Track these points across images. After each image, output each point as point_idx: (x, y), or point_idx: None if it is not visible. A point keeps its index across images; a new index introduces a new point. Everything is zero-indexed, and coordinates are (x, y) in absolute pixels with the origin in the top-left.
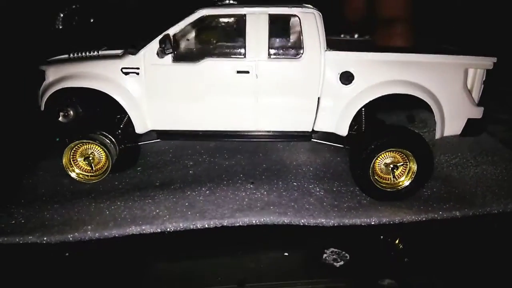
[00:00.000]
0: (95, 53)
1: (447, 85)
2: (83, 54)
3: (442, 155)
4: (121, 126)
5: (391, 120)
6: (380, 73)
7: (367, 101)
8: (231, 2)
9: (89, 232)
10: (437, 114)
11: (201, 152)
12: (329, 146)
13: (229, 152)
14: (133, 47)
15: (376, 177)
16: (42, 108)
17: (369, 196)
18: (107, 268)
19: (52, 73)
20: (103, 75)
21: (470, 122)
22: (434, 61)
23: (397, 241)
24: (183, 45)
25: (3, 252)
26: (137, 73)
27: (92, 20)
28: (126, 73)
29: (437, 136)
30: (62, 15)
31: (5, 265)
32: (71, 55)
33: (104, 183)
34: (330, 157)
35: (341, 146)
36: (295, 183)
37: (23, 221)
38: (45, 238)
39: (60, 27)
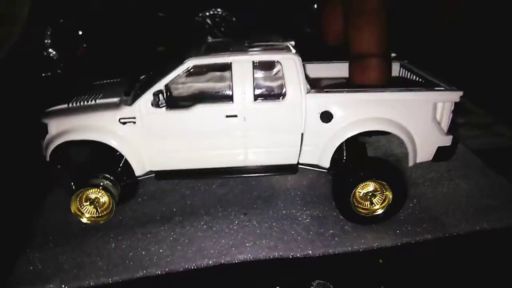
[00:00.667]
0: (93, 102)
1: (418, 120)
2: (81, 103)
3: (419, 169)
4: (121, 164)
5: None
6: (357, 112)
7: (346, 138)
8: (219, 39)
9: (101, 279)
10: (409, 146)
11: (196, 180)
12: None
13: (222, 180)
14: (127, 94)
15: (356, 204)
16: (48, 159)
17: (350, 221)
18: None
19: (54, 127)
20: (102, 126)
21: (440, 149)
22: (405, 98)
23: (376, 268)
24: (175, 92)
25: None
26: (134, 122)
27: (80, 33)
28: (124, 123)
29: (410, 164)
30: (50, 30)
31: None
32: (70, 104)
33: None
34: (315, 179)
35: (324, 170)
36: (284, 211)
37: (40, 266)
38: (63, 286)
39: (48, 41)
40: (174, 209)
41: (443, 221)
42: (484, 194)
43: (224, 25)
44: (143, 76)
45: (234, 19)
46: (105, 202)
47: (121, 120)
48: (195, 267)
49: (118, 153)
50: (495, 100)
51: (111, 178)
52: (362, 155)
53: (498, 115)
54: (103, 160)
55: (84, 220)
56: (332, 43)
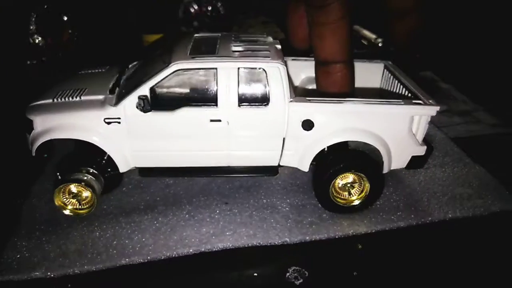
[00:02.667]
0: (77, 98)
1: (395, 131)
2: (66, 99)
3: None
4: (105, 157)
5: None
6: (337, 122)
7: (325, 146)
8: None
9: (85, 266)
10: (385, 155)
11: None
12: None
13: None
14: (112, 91)
15: (335, 194)
16: (33, 154)
17: (328, 210)
18: None
19: (40, 124)
20: (87, 125)
21: (414, 158)
22: (384, 111)
23: (351, 255)
24: (160, 94)
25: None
26: (119, 122)
27: (65, 18)
28: (109, 123)
29: (385, 170)
30: (34, 16)
31: None
32: (55, 99)
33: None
34: (296, 168)
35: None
36: (264, 200)
37: (27, 254)
38: (48, 273)
39: (33, 27)
40: (158, 198)
41: (417, 209)
42: (459, 183)
43: (211, 9)
44: (129, 67)
45: (220, 3)
46: (87, 196)
47: (106, 120)
48: (176, 255)
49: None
50: (476, 87)
51: (95, 172)
52: (342, 148)
53: (479, 102)
54: (87, 154)
55: (66, 212)
56: (300, 47)
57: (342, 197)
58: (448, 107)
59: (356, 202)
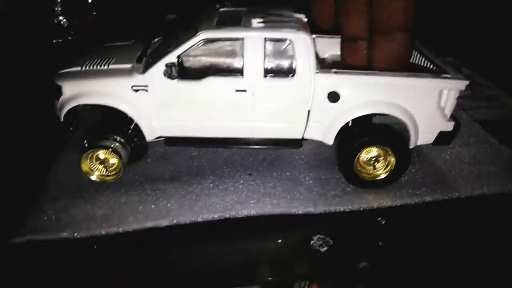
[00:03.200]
0: (105, 66)
1: (423, 106)
2: (94, 67)
3: None
4: (131, 127)
5: None
6: (364, 94)
7: (351, 118)
8: (229, 8)
9: (112, 228)
10: (412, 130)
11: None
12: None
13: None
14: (140, 59)
15: (359, 168)
16: (62, 119)
17: (353, 184)
18: (129, 258)
19: (68, 89)
20: (115, 92)
21: (441, 133)
22: (412, 83)
23: (375, 226)
24: (187, 63)
25: (41, 248)
26: (146, 90)
27: (90, 0)
28: (136, 90)
29: (411, 146)
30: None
31: (44, 258)
32: (83, 67)
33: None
34: (319, 144)
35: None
36: (287, 173)
37: (53, 217)
38: (75, 234)
39: (59, 8)
40: (182, 169)
41: (443, 185)
42: (485, 162)
43: None
44: (155, 40)
45: None
46: (114, 163)
47: (134, 88)
48: (202, 220)
49: (130, 120)
50: (500, 73)
51: (122, 140)
52: (367, 122)
53: (503, 88)
54: (114, 123)
55: (93, 177)
56: (326, 26)
57: (366, 172)
58: (472, 91)
59: (382, 176)
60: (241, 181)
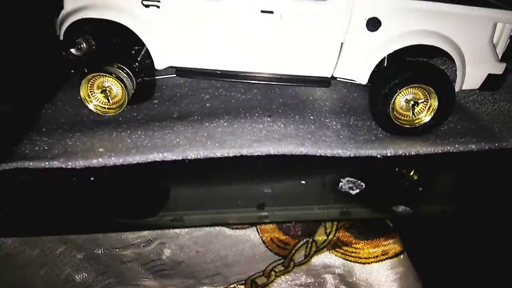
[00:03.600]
0: None
1: (474, 39)
2: None
3: (460, 91)
4: (139, 59)
5: None
6: (408, 22)
7: (392, 50)
8: None
9: (113, 158)
10: (460, 67)
11: (216, 86)
12: (346, 82)
13: (245, 86)
14: None
15: (395, 113)
16: (61, 37)
17: (387, 131)
18: (130, 191)
19: (70, 2)
20: (123, 6)
21: (490, 77)
22: (464, 12)
23: (412, 172)
24: None
25: (30, 176)
26: (158, 6)
27: None
28: (147, 6)
29: (457, 89)
30: None
31: (33, 188)
32: None
33: (122, 114)
34: (347, 93)
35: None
36: (311, 117)
37: (46, 147)
38: (69, 163)
39: None
40: (193, 110)
41: (487, 135)
42: None
43: None
44: None
45: None
46: (117, 94)
47: (144, 2)
48: (214, 155)
49: (137, 47)
50: None
51: (128, 70)
52: (405, 60)
53: None
54: (122, 49)
55: (90, 106)
56: None
57: (405, 117)
58: None
59: (426, 119)
60: (259, 121)
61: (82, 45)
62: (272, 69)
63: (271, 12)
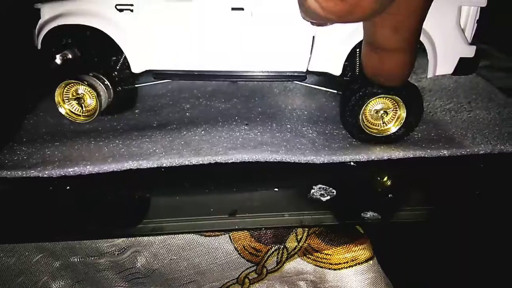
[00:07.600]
0: None
1: (441, 22)
2: None
3: (437, 100)
4: (118, 68)
5: None
6: None
7: (361, 38)
8: None
9: (88, 167)
10: (430, 52)
11: (198, 95)
12: (325, 92)
13: (225, 96)
14: None
15: (365, 123)
16: (39, 47)
17: (359, 140)
18: (106, 200)
19: (47, 11)
20: (98, 11)
21: (462, 61)
22: None
23: (384, 178)
24: None
25: (7, 185)
26: (131, 10)
27: None
28: (121, 10)
29: (429, 75)
30: None
31: (10, 197)
32: None
33: (102, 124)
34: (325, 102)
35: (335, 91)
36: (288, 125)
37: (25, 157)
38: (46, 172)
39: None
40: (172, 119)
41: (462, 141)
42: (508, 123)
43: None
44: None
45: None
46: (91, 104)
47: (118, 7)
48: (189, 163)
49: (117, 56)
50: None
51: (104, 79)
52: None
53: None
54: (100, 57)
55: (62, 111)
56: None
57: (375, 127)
58: (490, 63)
59: (394, 130)
60: (237, 130)
61: (66, 55)
62: (247, 66)
63: (242, 9)
